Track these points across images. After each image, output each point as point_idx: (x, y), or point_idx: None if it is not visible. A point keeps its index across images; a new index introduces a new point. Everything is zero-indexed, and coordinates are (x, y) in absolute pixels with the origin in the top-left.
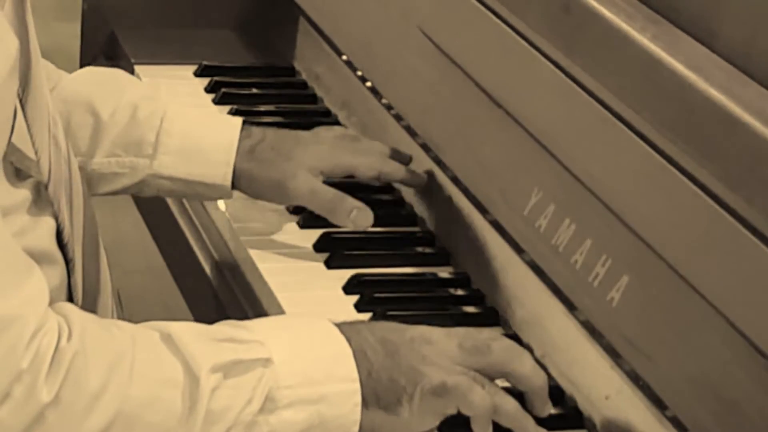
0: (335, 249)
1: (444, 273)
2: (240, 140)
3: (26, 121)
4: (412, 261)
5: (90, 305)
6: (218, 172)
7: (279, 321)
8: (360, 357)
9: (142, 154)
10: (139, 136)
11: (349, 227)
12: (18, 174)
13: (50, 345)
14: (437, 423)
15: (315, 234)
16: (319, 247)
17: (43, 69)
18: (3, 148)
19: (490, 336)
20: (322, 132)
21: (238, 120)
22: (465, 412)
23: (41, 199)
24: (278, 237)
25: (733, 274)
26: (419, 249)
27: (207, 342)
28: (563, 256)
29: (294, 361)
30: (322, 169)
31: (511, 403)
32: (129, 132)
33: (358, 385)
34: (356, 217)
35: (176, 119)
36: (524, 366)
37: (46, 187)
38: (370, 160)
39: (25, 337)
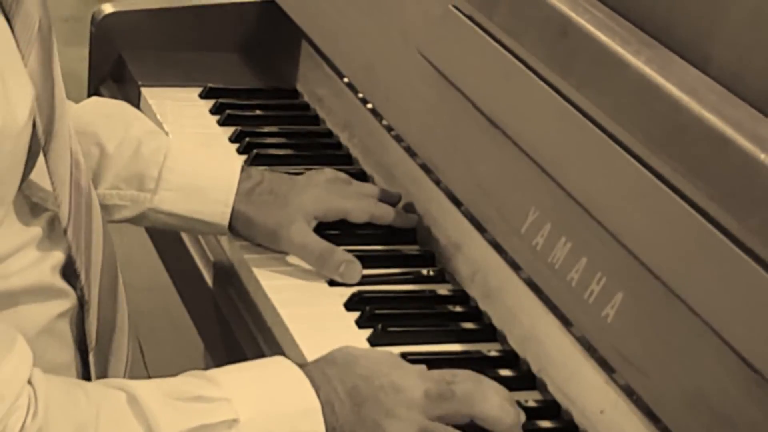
0: None
1: (443, 290)
2: (240, 182)
3: (48, 167)
4: (411, 279)
5: (104, 345)
6: (217, 211)
7: (248, 372)
8: (327, 411)
9: (144, 188)
10: (142, 170)
11: (338, 279)
12: (32, 210)
13: (17, 423)
14: None
15: None
16: None
17: (69, 114)
18: (12, 195)
19: (457, 379)
20: (315, 176)
21: (239, 160)
22: None
23: (54, 233)
24: (281, 255)
25: (726, 290)
26: (418, 266)
27: (173, 404)
28: (559, 274)
29: (260, 418)
30: (315, 214)
31: None
32: (132, 166)
33: None
34: (345, 270)
35: (179, 156)
36: (491, 408)
37: (65, 231)
38: (361, 205)
39: None
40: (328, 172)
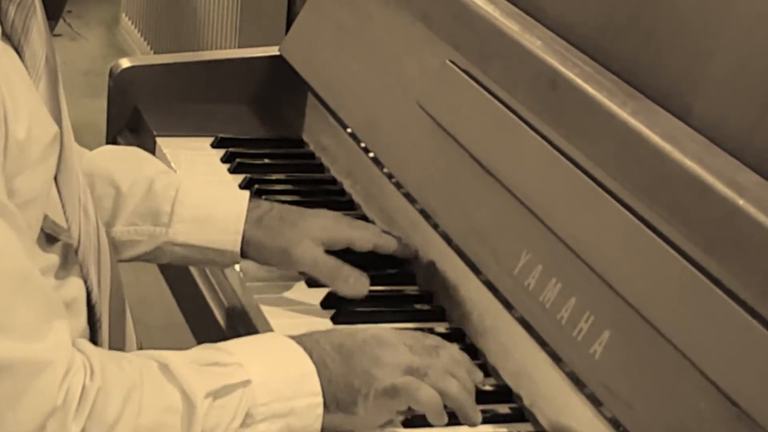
0: (340, 306)
1: (440, 328)
2: (249, 210)
3: (59, 193)
4: (411, 317)
5: None
6: (228, 239)
7: (253, 343)
8: (321, 367)
9: (158, 223)
10: (156, 206)
11: (347, 293)
12: (48, 239)
13: (78, 384)
14: (390, 419)
15: (322, 292)
16: (325, 304)
17: (74, 146)
18: (41, 220)
19: (437, 341)
20: (323, 210)
21: (246, 192)
22: (416, 408)
23: (68, 262)
24: (288, 295)
25: (706, 328)
26: (418, 306)
27: (198, 369)
28: (550, 313)
29: (268, 380)
30: (323, 240)
31: (453, 386)
32: (147, 203)
33: (320, 398)
34: (354, 284)
35: (190, 190)
36: (462, 374)
37: (76, 252)
38: (366, 234)
39: (58, 379)
40: (335, 212)
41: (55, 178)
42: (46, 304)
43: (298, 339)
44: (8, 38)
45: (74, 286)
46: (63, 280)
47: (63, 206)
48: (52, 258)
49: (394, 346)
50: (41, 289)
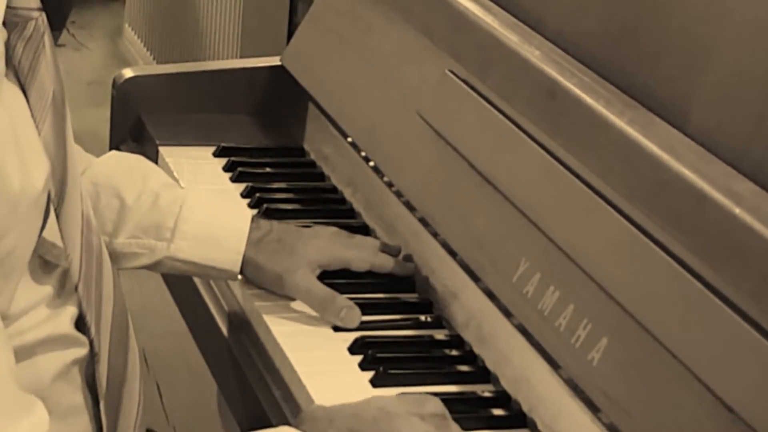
0: None
1: (440, 335)
2: (250, 231)
3: (60, 228)
4: (410, 324)
5: (115, 391)
6: (229, 259)
7: None
8: None
9: (161, 237)
10: (159, 221)
11: (338, 324)
12: (44, 268)
13: None
14: None
15: None
16: None
17: (80, 179)
18: (28, 257)
19: (437, 405)
20: (320, 229)
21: (249, 212)
22: None
23: (65, 289)
24: (289, 302)
25: (703, 335)
26: (417, 313)
27: None
28: (548, 320)
29: None
30: (320, 263)
31: None
32: (150, 217)
33: None
34: (345, 316)
35: (194, 207)
36: None
37: (76, 287)
38: (362, 254)
39: None
40: (332, 228)
41: (57, 215)
42: (14, 400)
43: (303, 429)
44: (15, 75)
45: (71, 318)
46: (57, 309)
47: (63, 241)
48: (47, 289)
49: (404, 418)
50: (8, 385)
